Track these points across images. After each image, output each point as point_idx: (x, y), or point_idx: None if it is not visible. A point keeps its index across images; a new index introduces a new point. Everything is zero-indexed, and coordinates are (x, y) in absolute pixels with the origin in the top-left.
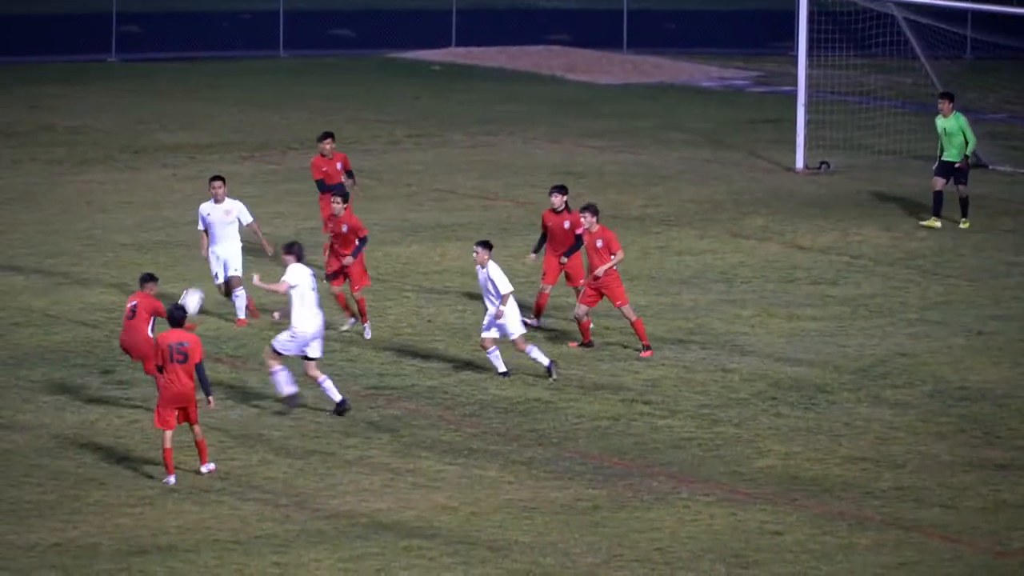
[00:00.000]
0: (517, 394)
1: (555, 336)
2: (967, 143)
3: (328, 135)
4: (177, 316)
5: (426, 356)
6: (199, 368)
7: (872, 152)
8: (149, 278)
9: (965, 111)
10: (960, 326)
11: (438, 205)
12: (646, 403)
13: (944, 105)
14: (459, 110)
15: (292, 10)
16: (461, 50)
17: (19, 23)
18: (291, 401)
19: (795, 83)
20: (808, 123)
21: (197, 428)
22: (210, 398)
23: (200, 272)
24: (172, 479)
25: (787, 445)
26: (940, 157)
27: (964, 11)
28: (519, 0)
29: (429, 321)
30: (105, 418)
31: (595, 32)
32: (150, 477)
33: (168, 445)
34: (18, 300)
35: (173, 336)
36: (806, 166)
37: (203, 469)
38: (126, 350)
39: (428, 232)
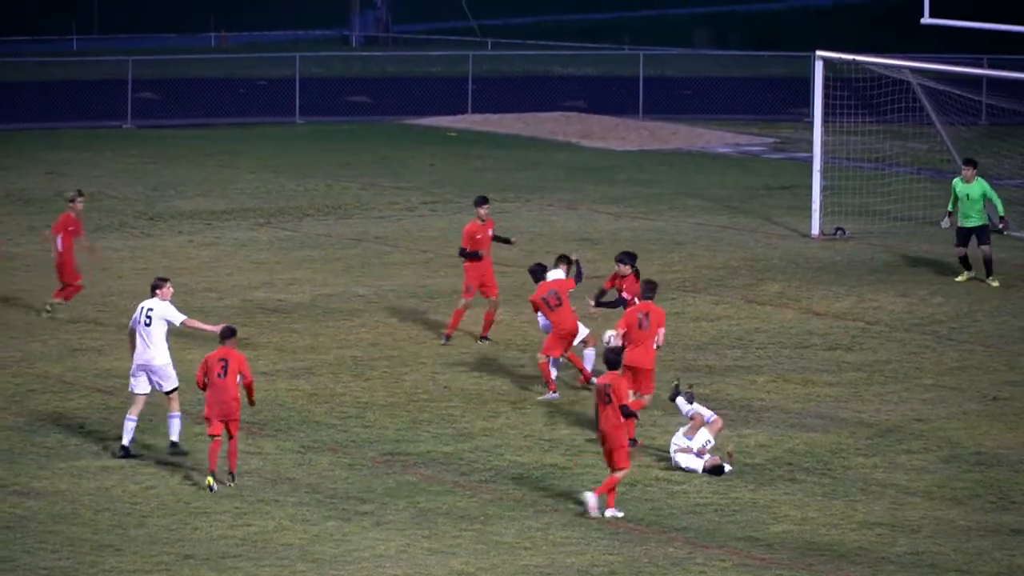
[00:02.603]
0: (533, 460)
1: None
2: (995, 206)
3: (485, 200)
4: (610, 359)
5: (442, 422)
6: (623, 410)
7: (887, 218)
8: (231, 333)
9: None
10: (975, 392)
11: (454, 271)
12: (662, 469)
13: (968, 172)
14: (475, 176)
15: (308, 76)
16: (477, 117)
17: (34, 89)
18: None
19: (811, 149)
20: (824, 189)
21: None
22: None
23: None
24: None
25: (803, 510)
26: (958, 225)
27: (979, 77)
28: (535, 67)
29: (445, 387)
30: (121, 484)
31: (611, 98)
32: (166, 543)
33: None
34: (35, 367)
35: (604, 378)
36: (821, 232)
37: (607, 513)
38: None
39: (445, 299)
